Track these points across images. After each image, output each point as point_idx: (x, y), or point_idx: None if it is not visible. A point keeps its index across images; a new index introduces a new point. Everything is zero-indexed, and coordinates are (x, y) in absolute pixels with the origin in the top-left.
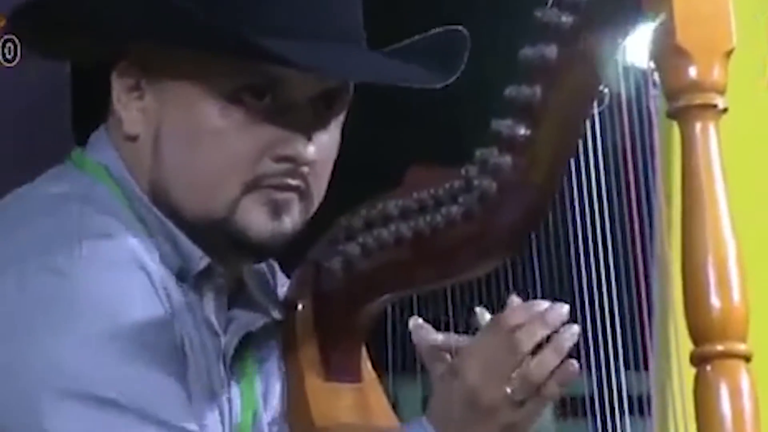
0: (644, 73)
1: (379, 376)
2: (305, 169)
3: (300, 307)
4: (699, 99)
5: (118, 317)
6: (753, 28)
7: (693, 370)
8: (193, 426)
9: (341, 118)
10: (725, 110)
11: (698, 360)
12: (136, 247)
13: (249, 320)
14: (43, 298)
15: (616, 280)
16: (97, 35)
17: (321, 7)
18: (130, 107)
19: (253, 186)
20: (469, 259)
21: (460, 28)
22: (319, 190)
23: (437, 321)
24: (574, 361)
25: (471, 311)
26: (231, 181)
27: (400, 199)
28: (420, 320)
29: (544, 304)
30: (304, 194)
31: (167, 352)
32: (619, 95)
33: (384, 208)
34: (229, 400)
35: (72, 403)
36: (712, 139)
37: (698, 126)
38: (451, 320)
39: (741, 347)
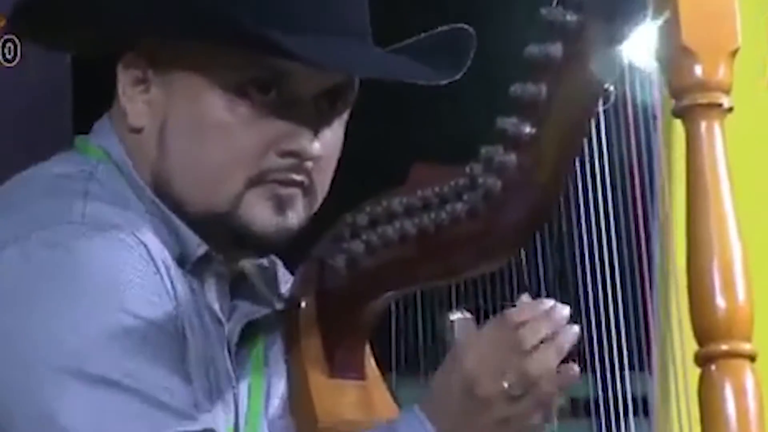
0: (649, 72)
1: (382, 373)
2: (309, 164)
3: (304, 304)
4: (704, 98)
5: (120, 295)
6: (753, 28)
7: (698, 370)
8: (193, 411)
9: (346, 114)
10: (730, 109)
11: (703, 360)
12: (138, 225)
13: (251, 310)
14: (45, 273)
15: (621, 280)
16: (103, 29)
17: (328, 3)
18: (136, 99)
19: (257, 181)
20: (473, 256)
21: (466, 26)
22: (323, 186)
23: (441, 319)
24: (575, 365)
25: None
26: (235, 176)
27: (404, 197)
28: (468, 314)
29: (550, 303)
30: (308, 190)
31: (168, 333)
32: (623, 94)
33: (388, 206)
34: (234, 388)
35: (72, 380)
36: (717, 139)
37: (703, 125)
38: None
39: (746, 347)
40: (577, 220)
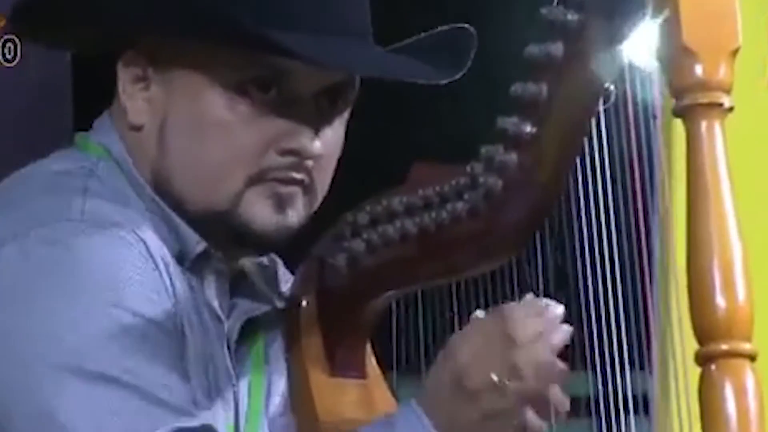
0: (650, 72)
1: (383, 372)
2: (310, 163)
3: (304, 303)
4: (705, 98)
5: (119, 293)
6: (753, 28)
7: (698, 370)
8: (192, 408)
9: (347, 113)
10: (731, 109)
11: (703, 359)
12: (138, 222)
13: (251, 307)
14: (44, 270)
15: (621, 277)
16: (103, 28)
17: (328, 2)
18: (136, 97)
19: (257, 179)
20: (473, 255)
21: (467, 26)
22: (323, 184)
23: (442, 317)
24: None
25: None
26: (235, 174)
27: (404, 196)
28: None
29: (545, 301)
30: (308, 188)
31: (167, 330)
32: (624, 93)
33: (389, 205)
34: (234, 385)
35: (71, 377)
36: (717, 138)
37: (704, 125)
38: (455, 317)
39: (746, 346)
40: (578, 219)
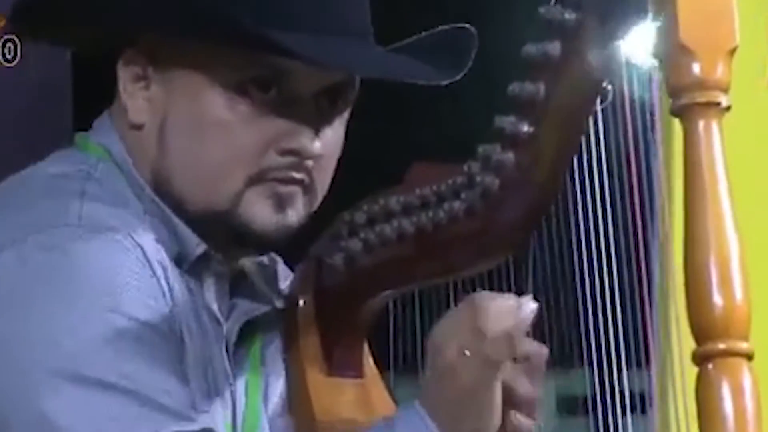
0: (647, 71)
1: (380, 371)
2: (310, 163)
3: (302, 302)
4: (702, 97)
5: (117, 298)
6: (753, 28)
7: (695, 369)
8: (191, 412)
9: (347, 113)
10: (728, 108)
11: (700, 358)
12: (136, 226)
13: (250, 308)
14: (42, 276)
15: (618, 278)
16: (103, 28)
17: (328, 2)
18: (136, 96)
19: (257, 179)
20: (470, 255)
21: (467, 26)
22: (323, 184)
23: (439, 317)
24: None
25: None
26: (235, 174)
27: (402, 195)
28: None
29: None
30: (308, 188)
31: (165, 335)
32: (622, 92)
33: (386, 204)
34: (232, 386)
35: (68, 383)
36: (715, 137)
37: (701, 124)
38: None
39: (743, 346)
40: (575, 218)
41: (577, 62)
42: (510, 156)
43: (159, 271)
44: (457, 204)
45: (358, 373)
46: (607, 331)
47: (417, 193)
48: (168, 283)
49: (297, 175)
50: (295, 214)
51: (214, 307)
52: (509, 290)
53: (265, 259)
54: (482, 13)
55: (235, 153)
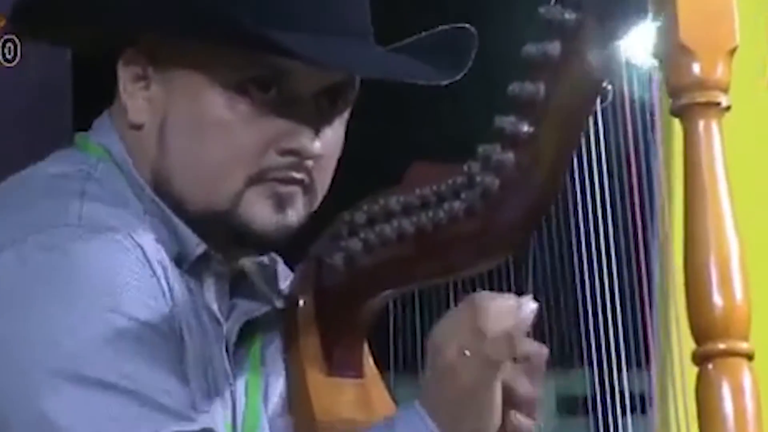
0: (647, 71)
1: (380, 371)
2: (310, 163)
3: (302, 302)
4: (702, 97)
5: (117, 298)
6: (753, 28)
7: (695, 369)
8: (191, 412)
9: (347, 113)
10: (728, 108)
11: (700, 358)
12: (136, 226)
13: (250, 308)
14: (42, 276)
15: (618, 278)
16: (103, 28)
17: (328, 2)
18: (136, 96)
19: (257, 179)
20: (470, 255)
21: (467, 26)
22: (323, 184)
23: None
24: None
25: None
26: (235, 174)
27: (402, 195)
28: None
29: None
30: (308, 188)
31: (165, 335)
32: (622, 92)
33: (386, 204)
34: (232, 385)
35: (69, 383)
36: (715, 137)
37: (701, 124)
38: None
39: (743, 346)
40: (575, 218)
41: (577, 62)
42: (510, 156)
43: (159, 271)
44: (457, 204)
45: (358, 373)
46: (607, 332)
47: (417, 193)
48: (168, 283)
49: (297, 175)
50: (295, 214)
51: (214, 307)
52: (509, 290)
53: (265, 259)
54: (482, 13)
55: (235, 153)
